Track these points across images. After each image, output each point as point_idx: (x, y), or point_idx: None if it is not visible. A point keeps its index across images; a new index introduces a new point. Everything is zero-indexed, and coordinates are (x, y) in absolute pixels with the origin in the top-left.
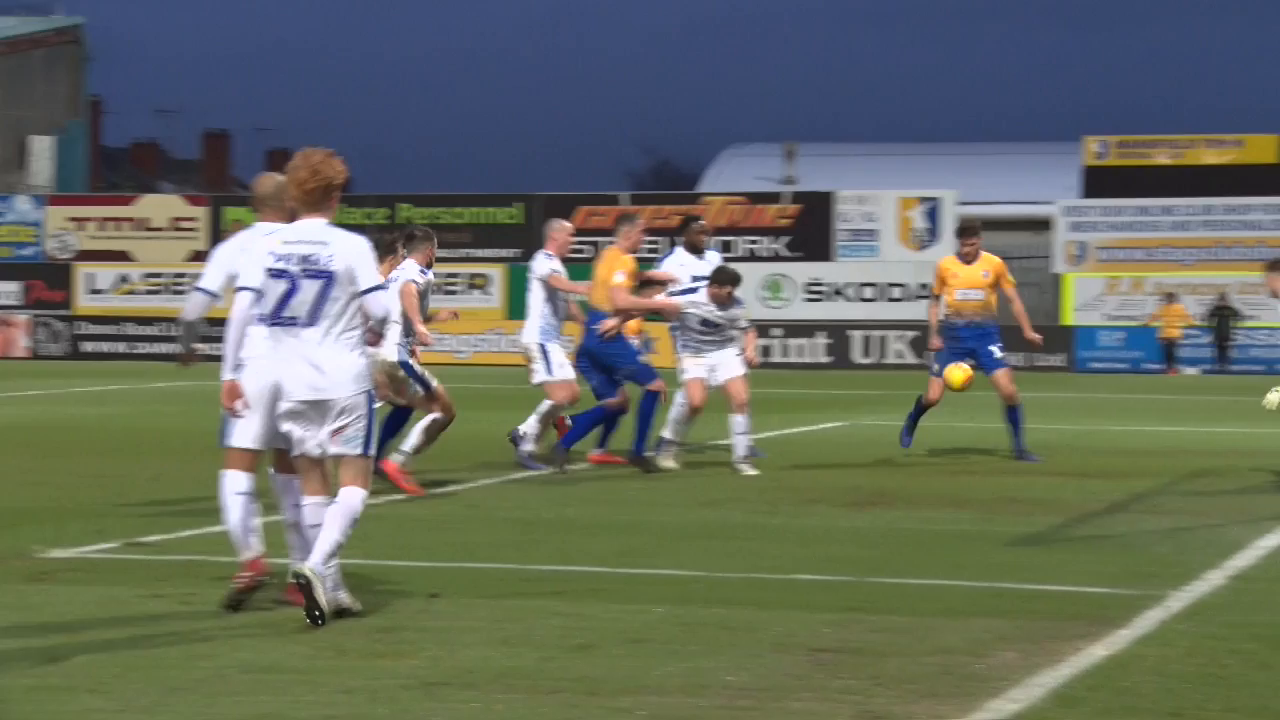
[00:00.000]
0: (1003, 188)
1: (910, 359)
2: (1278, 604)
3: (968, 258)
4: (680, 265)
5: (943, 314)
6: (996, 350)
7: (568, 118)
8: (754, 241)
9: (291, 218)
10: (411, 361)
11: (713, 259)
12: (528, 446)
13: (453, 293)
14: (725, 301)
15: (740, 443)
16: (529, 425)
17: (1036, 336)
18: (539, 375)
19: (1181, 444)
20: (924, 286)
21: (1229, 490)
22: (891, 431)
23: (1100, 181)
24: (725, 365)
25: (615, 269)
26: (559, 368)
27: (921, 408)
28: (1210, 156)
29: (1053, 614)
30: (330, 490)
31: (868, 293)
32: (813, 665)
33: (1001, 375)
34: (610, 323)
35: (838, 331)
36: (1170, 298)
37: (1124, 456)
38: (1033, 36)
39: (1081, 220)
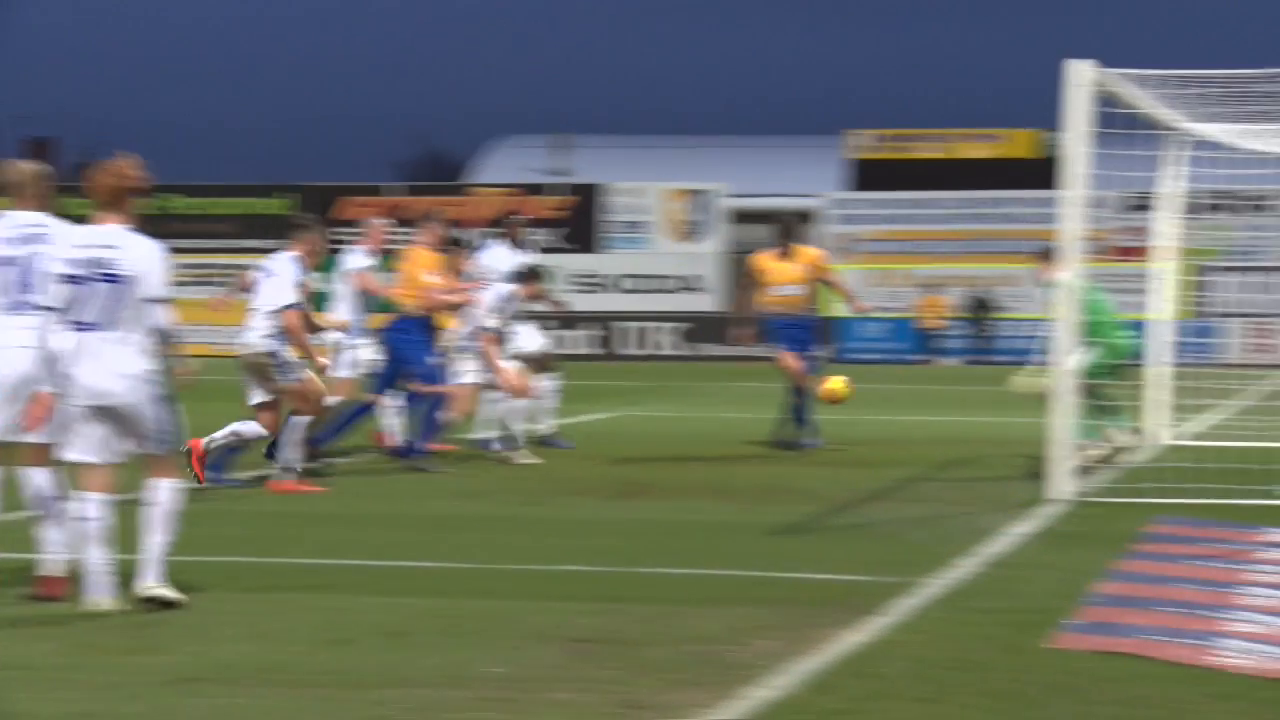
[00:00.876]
0: (771, 180)
1: (681, 350)
2: (1029, 589)
3: (784, 254)
4: (498, 260)
5: (762, 308)
6: (818, 353)
7: (333, 106)
8: (530, 233)
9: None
10: (283, 352)
11: (513, 257)
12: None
13: (217, 284)
14: (537, 298)
15: (519, 431)
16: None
17: (865, 304)
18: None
19: (939, 433)
20: (688, 279)
21: (983, 478)
22: (658, 423)
23: (865, 174)
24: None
25: (423, 267)
26: (345, 366)
27: (800, 394)
28: (972, 150)
29: (812, 602)
30: (114, 488)
31: (636, 284)
32: (574, 656)
33: (816, 379)
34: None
35: (607, 323)
36: (931, 288)
37: (884, 446)
38: (801, 30)
39: (847, 213)
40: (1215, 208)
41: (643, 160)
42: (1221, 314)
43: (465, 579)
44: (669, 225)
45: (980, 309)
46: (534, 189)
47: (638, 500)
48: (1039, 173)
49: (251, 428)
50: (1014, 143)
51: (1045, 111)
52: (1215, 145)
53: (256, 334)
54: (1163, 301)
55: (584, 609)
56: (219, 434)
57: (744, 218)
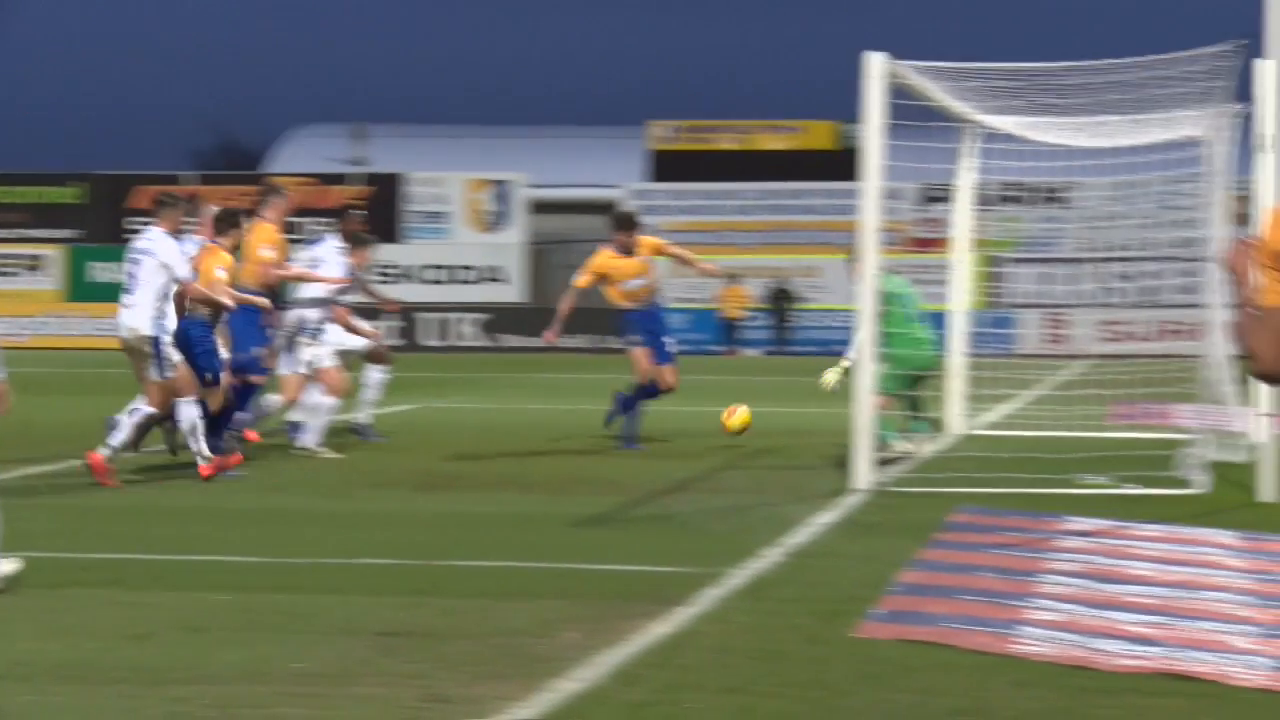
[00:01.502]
0: (571, 171)
1: (482, 341)
2: (832, 579)
3: (628, 250)
4: (335, 253)
5: (615, 303)
6: (671, 343)
7: (128, 94)
8: (324, 223)
9: None
10: (164, 340)
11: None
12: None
13: (9, 274)
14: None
15: (322, 426)
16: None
17: (713, 267)
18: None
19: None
20: (489, 270)
21: (786, 468)
22: (461, 414)
23: (666, 166)
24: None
25: (263, 240)
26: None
27: (648, 392)
28: (771, 142)
29: (617, 593)
30: None
31: (437, 275)
32: (378, 650)
33: (670, 370)
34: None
35: (408, 314)
36: (732, 279)
37: (688, 438)
38: (604, 20)
39: (648, 204)
40: (1008, 199)
41: (443, 150)
42: (1017, 305)
43: (267, 573)
44: (470, 216)
45: (781, 300)
46: (334, 179)
47: (441, 493)
48: (837, 164)
49: (141, 413)
50: (812, 134)
51: (844, 104)
52: (1007, 137)
53: (140, 317)
54: (959, 293)
55: (388, 603)
56: (115, 440)
57: (545, 208)
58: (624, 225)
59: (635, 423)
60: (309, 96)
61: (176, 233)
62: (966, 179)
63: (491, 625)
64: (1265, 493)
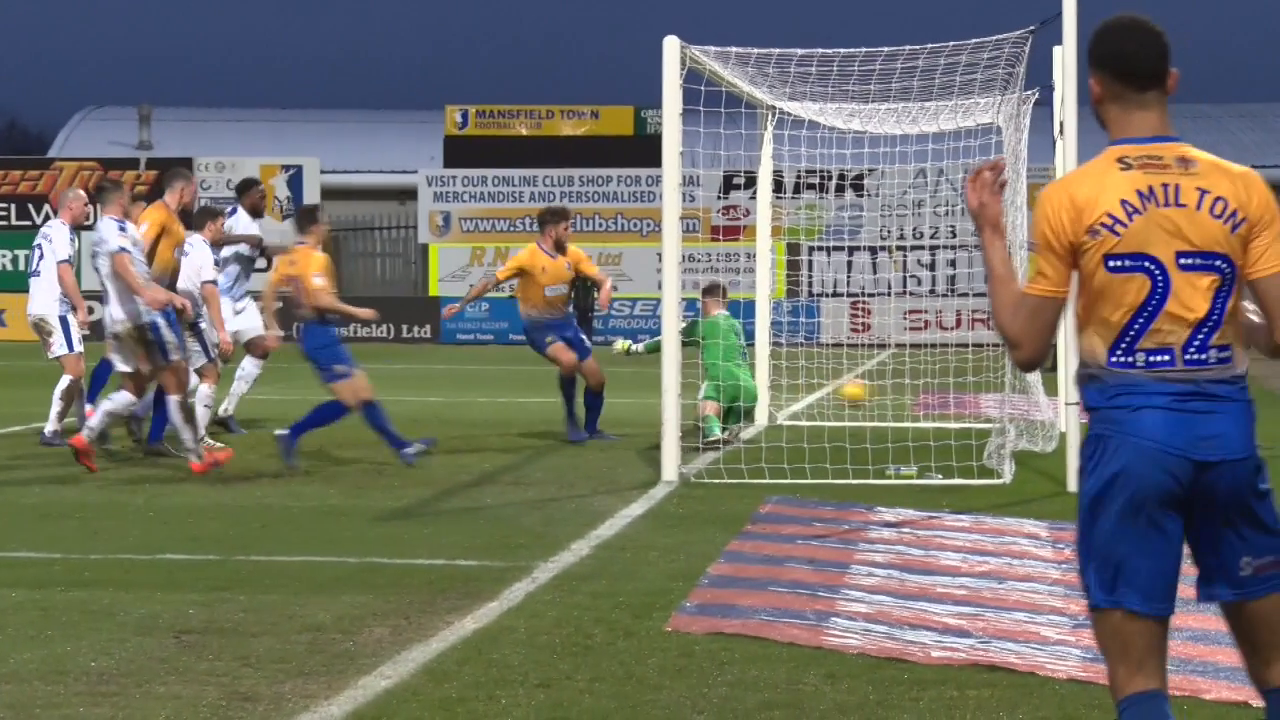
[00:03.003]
0: (368, 156)
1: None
2: (641, 572)
3: (560, 245)
4: (241, 225)
5: (525, 310)
6: (585, 338)
7: None
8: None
9: None
10: (161, 325)
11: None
12: (51, 427)
13: None
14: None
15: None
16: (53, 409)
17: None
18: (57, 349)
19: (548, 415)
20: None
21: (594, 461)
22: (260, 406)
23: (463, 151)
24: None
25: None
26: (79, 341)
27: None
28: (567, 128)
29: (424, 588)
30: None
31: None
32: (179, 647)
33: (592, 363)
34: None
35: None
36: None
37: (492, 429)
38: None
39: (445, 190)
40: (809, 187)
41: (233, 134)
42: (820, 294)
43: (63, 569)
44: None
45: (582, 289)
46: (121, 164)
47: (242, 485)
48: (636, 150)
49: (121, 399)
50: (609, 120)
51: (643, 89)
52: (807, 124)
53: (136, 304)
54: (762, 281)
55: (190, 599)
56: (94, 421)
57: (339, 194)
58: (556, 215)
59: (576, 412)
60: (95, 78)
61: (124, 216)
62: (766, 166)
63: (296, 622)
64: (1073, 483)
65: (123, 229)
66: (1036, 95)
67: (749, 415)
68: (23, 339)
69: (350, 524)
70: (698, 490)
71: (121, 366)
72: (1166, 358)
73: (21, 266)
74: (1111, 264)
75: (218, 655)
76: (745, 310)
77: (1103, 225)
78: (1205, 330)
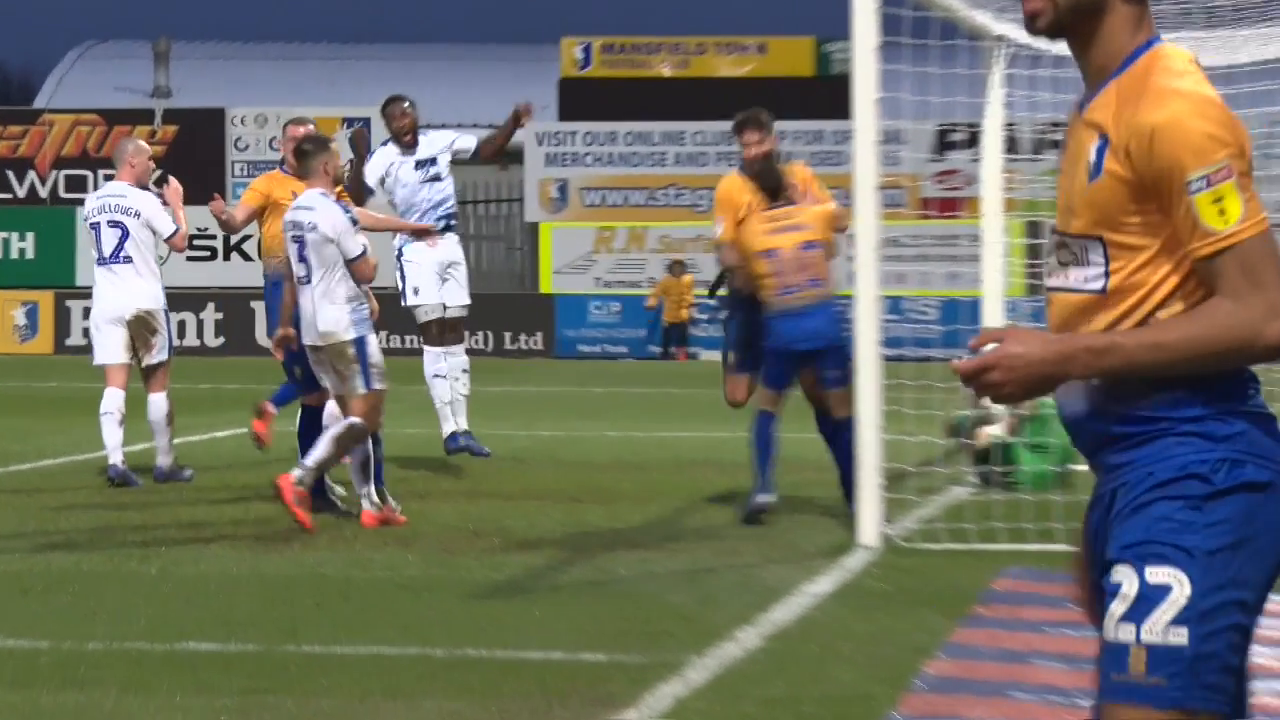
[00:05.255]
0: (456, 105)
1: None
2: (830, 671)
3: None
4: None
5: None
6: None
7: None
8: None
9: None
10: (371, 342)
11: None
12: (165, 458)
13: None
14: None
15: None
16: (160, 437)
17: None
18: (159, 352)
19: (699, 454)
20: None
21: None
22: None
23: (584, 98)
24: None
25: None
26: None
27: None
28: (725, 66)
29: (535, 691)
30: None
31: None
32: None
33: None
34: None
35: (236, 301)
36: (678, 268)
37: (623, 472)
38: None
39: (560, 151)
40: (1057, 145)
41: (278, 77)
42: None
43: (51, 662)
44: None
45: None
46: (130, 116)
47: (287, 548)
48: (816, 97)
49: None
50: (780, 56)
51: (824, 16)
52: (1053, 60)
53: (345, 313)
54: (992, 273)
55: (220, 705)
56: (310, 461)
57: None
58: (754, 124)
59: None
60: (93, 6)
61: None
62: (996, 117)
63: None
64: None
65: (352, 218)
66: None
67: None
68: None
69: (434, 602)
70: (907, 558)
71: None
72: None
73: (5, 253)
74: None
75: None
76: (968, 312)
77: None
78: None
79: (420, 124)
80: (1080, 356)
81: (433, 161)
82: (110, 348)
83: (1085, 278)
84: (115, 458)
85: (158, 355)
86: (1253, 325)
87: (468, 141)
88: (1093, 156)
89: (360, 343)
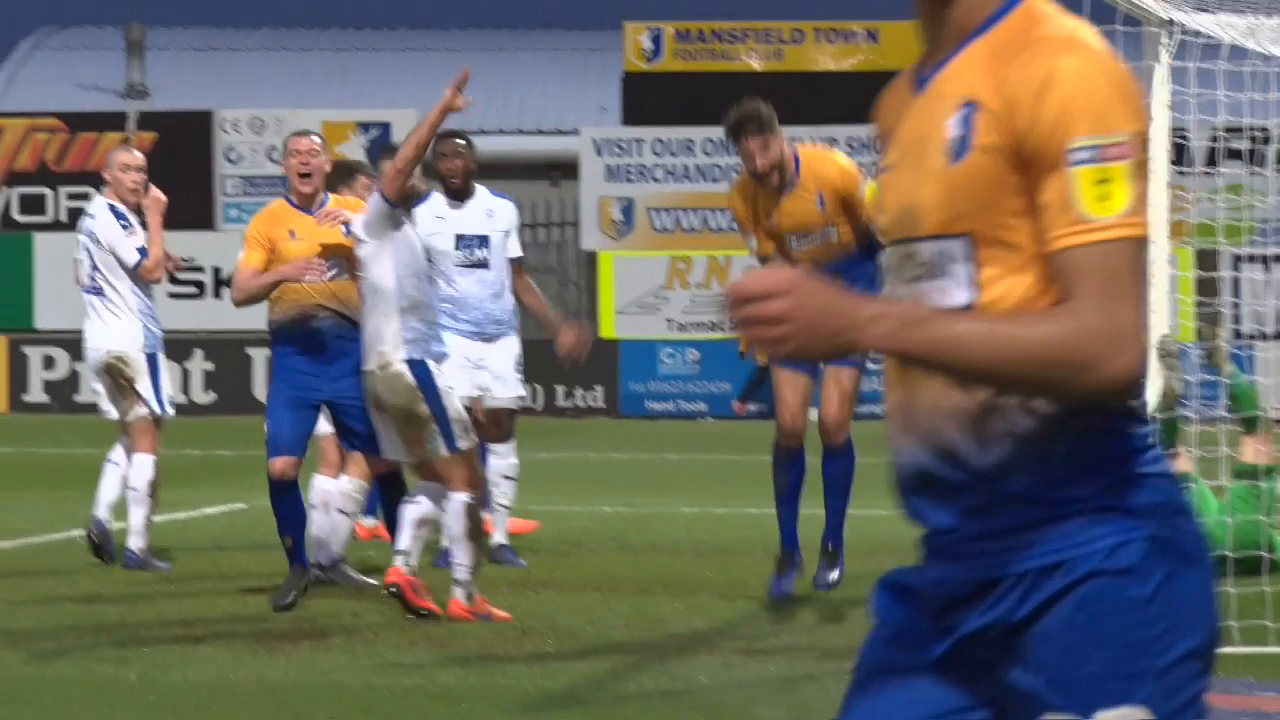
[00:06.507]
0: (498, 107)
1: None
2: None
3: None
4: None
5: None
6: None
7: None
8: (78, 194)
9: None
10: (436, 373)
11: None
12: (138, 540)
13: None
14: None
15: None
16: (135, 511)
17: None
18: (141, 406)
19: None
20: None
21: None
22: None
23: (653, 97)
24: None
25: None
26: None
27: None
28: (827, 58)
29: None
30: None
31: None
32: None
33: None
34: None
35: (228, 348)
36: None
37: (703, 557)
38: None
39: (624, 162)
40: (1236, 155)
41: (277, 72)
42: (1256, 334)
43: None
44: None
45: None
46: (98, 121)
47: (294, 648)
48: None
49: (426, 500)
50: (895, 45)
51: None
52: (1232, 50)
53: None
54: (1157, 309)
55: None
56: (405, 541)
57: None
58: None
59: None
60: None
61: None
62: (1162, 121)
63: None
64: None
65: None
66: None
67: None
68: None
69: (474, 717)
70: None
71: (394, 455)
72: None
73: None
74: None
75: None
76: None
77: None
78: None
79: (475, 169)
80: (890, 315)
81: (481, 242)
82: (103, 400)
83: (943, 292)
84: (100, 511)
85: (137, 410)
86: (1096, 349)
87: (516, 247)
88: (953, 131)
89: (421, 368)
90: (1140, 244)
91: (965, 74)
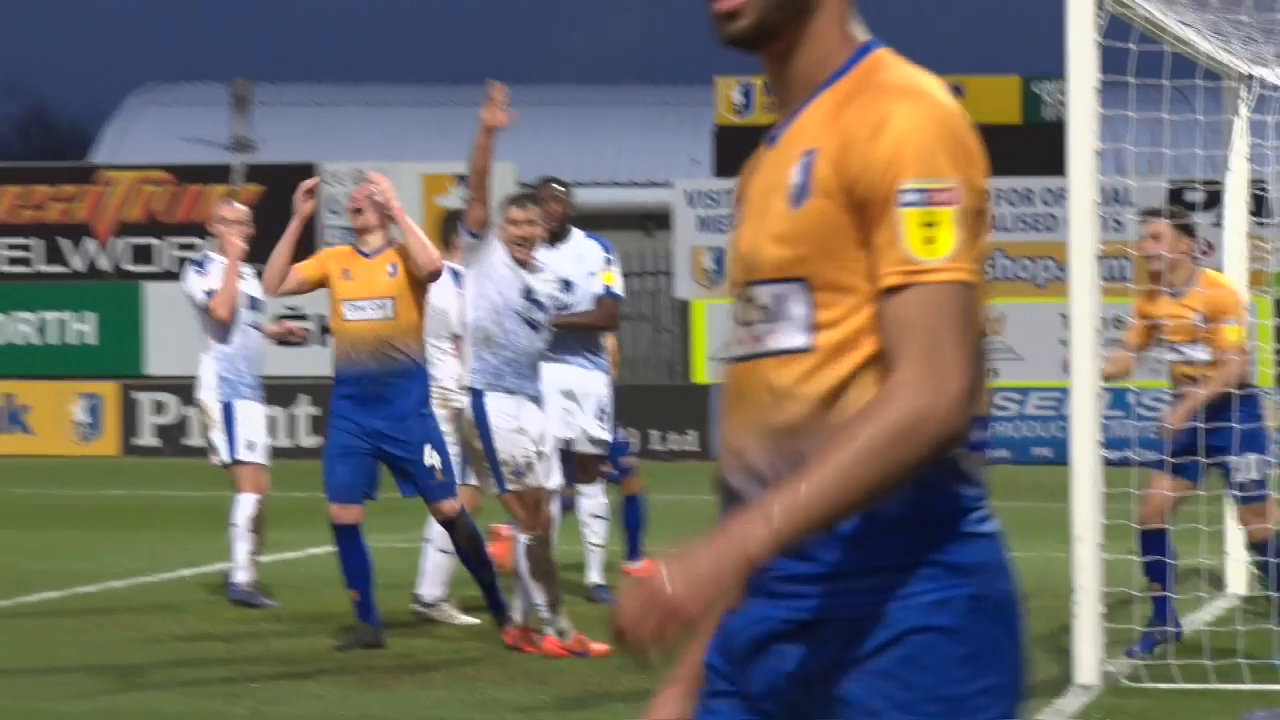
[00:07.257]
0: (592, 159)
1: None
2: None
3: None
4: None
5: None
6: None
7: None
8: (185, 244)
9: None
10: (495, 411)
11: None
12: (243, 575)
13: None
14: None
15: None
16: (237, 547)
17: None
18: (221, 453)
19: None
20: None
21: None
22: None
23: (744, 149)
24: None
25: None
26: (250, 444)
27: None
28: None
29: None
30: None
31: None
32: None
33: None
34: None
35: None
36: None
37: None
38: None
39: (716, 213)
40: None
41: (377, 125)
42: None
43: None
44: (427, 231)
45: None
46: (204, 173)
47: (389, 682)
48: (1024, 147)
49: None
50: (982, 98)
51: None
52: None
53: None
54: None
55: None
56: (545, 611)
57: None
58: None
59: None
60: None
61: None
62: (1240, 172)
63: None
64: None
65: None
66: None
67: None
68: (50, 451)
69: None
70: (1134, 700)
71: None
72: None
73: (61, 337)
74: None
75: None
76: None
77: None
78: None
79: (572, 214)
80: (755, 520)
81: (565, 286)
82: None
83: (782, 335)
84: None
85: (220, 456)
86: (924, 415)
87: (599, 285)
88: (795, 178)
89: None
90: (966, 289)
91: (811, 126)
